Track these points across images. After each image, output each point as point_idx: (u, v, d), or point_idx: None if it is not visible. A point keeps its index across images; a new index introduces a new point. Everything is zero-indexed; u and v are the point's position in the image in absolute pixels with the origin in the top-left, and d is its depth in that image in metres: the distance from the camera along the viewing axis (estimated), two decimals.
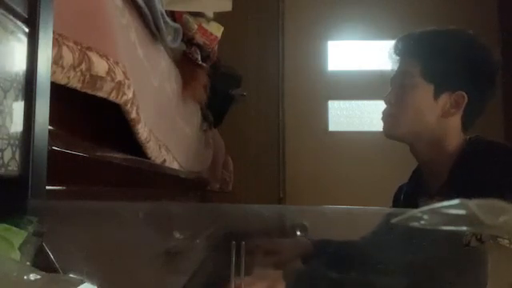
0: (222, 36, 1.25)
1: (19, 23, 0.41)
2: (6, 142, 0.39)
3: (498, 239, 0.68)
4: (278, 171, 2.84)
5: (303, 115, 2.88)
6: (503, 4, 2.81)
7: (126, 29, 0.74)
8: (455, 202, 0.33)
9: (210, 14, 1.21)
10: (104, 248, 0.58)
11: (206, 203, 1.79)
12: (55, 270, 0.42)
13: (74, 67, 0.53)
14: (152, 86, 0.90)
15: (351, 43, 2.96)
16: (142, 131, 0.79)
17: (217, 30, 1.22)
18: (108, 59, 0.61)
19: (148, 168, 0.92)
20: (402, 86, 1.10)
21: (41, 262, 0.40)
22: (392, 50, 1.16)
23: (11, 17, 0.40)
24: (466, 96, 1.05)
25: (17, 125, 0.41)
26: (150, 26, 0.88)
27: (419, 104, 1.08)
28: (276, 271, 0.92)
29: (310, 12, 2.94)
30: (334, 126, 2.89)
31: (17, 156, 0.41)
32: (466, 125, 1.09)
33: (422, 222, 0.35)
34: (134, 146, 0.83)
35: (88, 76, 0.56)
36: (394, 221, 0.38)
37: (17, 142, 0.41)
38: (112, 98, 0.64)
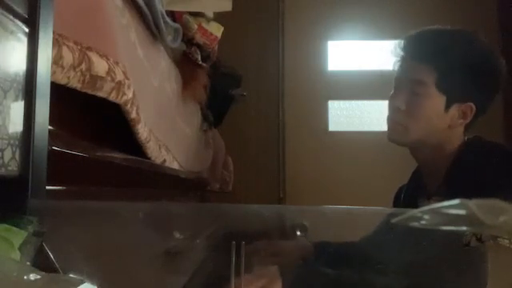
0: (222, 36, 1.25)
1: (19, 23, 0.41)
2: (6, 141, 0.39)
3: (498, 239, 0.68)
4: (278, 171, 2.84)
5: (303, 115, 2.88)
6: (503, 4, 2.81)
7: (125, 29, 0.74)
8: (455, 201, 0.33)
9: (210, 14, 1.21)
10: (104, 248, 0.58)
11: (206, 203, 1.79)
12: (55, 270, 0.42)
13: (73, 67, 0.53)
14: (152, 86, 0.90)
15: (351, 43, 2.96)
16: (142, 131, 0.79)
17: (217, 30, 1.22)
18: (108, 59, 0.61)
19: (148, 168, 0.92)
20: (414, 93, 1.06)
21: (41, 262, 0.40)
22: (399, 48, 1.11)
23: (11, 17, 0.40)
24: (474, 107, 1.04)
25: (17, 125, 0.41)
26: (150, 26, 0.88)
27: (430, 115, 1.05)
28: (273, 268, 0.92)
29: (310, 12, 2.94)
30: (334, 125, 2.89)
31: (17, 156, 0.41)
32: (467, 129, 1.09)
33: (422, 222, 0.35)
34: (134, 146, 0.83)
35: (88, 76, 0.56)
36: (394, 221, 0.38)
37: (17, 142, 0.41)
38: (112, 98, 0.64)
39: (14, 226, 0.39)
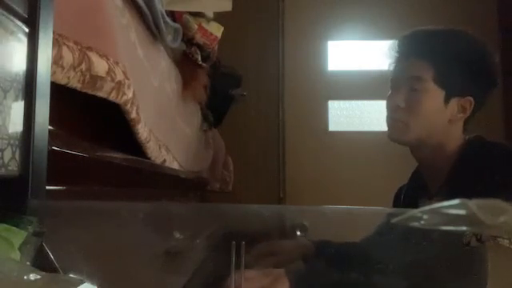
0: (222, 36, 1.25)
1: (19, 23, 0.41)
2: (6, 141, 0.39)
3: (498, 239, 0.68)
4: (278, 171, 2.84)
5: (303, 115, 2.88)
6: (503, 4, 2.81)
7: (126, 29, 0.74)
8: (455, 201, 0.33)
9: (210, 14, 1.21)
10: (104, 248, 0.58)
11: (206, 203, 1.79)
12: (55, 270, 0.42)
13: (73, 67, 0.53)
14: (152, 86, 0.90)
15: (351, 43, 2.96)
16: (142, 131, 0.79)
17: (217, 30, 1.22)
18: (108, 59, 0.61)
19: (148, 168, 0.92)
20: (412, 90, 1.07)
21: (41, 262, 0.40)
22: (394, 49, 1.13)
23: (11, 17, 0.40)
24: (473, 101, 1.05)
25: (17, 125, 0.41)
26: (150, 26, 0.88)
27: (430, 109, 1.06)
28: (279, 269, 0.92)
29: (310, 12, 2.94)
30: (334, 125, 2.89)
31: (17, 156, 0.41)
32: (466, 126, 1.09)
33: (422, 222, 0.35)
34: (134, 146, 0.83)
35: (88, 76, 0.56)
36: (394, 221, 0.38)
37: (17, 142, 0.41)
38: (112, 98, 0.64)
39: (14, 225, 0.39)
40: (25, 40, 0.42)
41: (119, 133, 0.78)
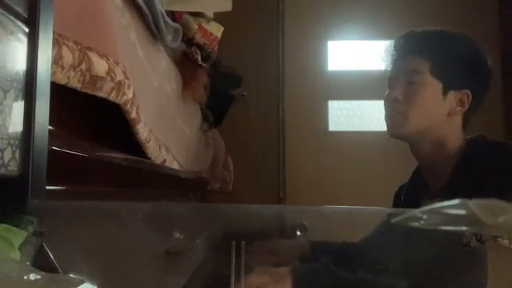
0: (222, 36, 1.25)
1: (19, 23, 0.41)
2: (6, 142, 0.39)
3: (498, 239, 0.68)
4: (278, 171, 2.84)
5: (303, 115, 2.88)
6: (503, 4, 2.81)
7: (126, 29, 0.74)
8: (455, 202, 0.33)
9: (210, 14, 1.21)
10: (104, 248, 0.58)
11: (206, 203, 1.79)
12: (55, 270, 0.42)
13: (74, 67, 0.53)
14: (152, 86, 0.90)
15: (351, 43, 2.96)
16: (142, 131, 0.79)
17: (217, 30, 1.22)
18: (108, 59, 0.61)
19: (148, 168, 0.92)
20: (410, 83, 1.08)
21: (41, 262, 0.40)
22: (391, 48, 1.14)
23: (11, 17, 0.40)
24: (470, 95, 1.07)
25: (17, 125, 0.41)
26: (150, 26, 0.88)
27: (429, 101, 1.07)
28: (283, 268, 0.92)
29: (310, 12, 2.94)
30: (334, 125, 2.89)
31: (17, 156, 0.41)
32: (464, 123, 1.09)
33: (422, 222, 0.35)
34: (134, 146, 0.83)
35: (88, 76, 0.56)
36: (393, 221, 0.38)
37: (17, 142, 0.41)
38: (112, 98, 0.64)
39: (14, 225, 0.39)
40: (25, 40, 0.42)
41: (119, 133, 0.78)
